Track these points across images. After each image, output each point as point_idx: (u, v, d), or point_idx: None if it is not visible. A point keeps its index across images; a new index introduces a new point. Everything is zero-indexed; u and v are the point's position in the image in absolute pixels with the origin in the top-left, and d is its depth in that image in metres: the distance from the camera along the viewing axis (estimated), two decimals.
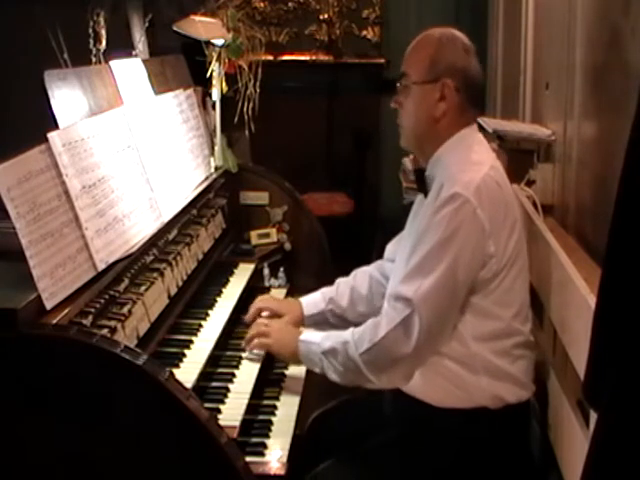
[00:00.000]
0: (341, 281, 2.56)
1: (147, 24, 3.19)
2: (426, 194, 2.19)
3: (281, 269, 3.22)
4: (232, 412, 2.10)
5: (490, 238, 2.03)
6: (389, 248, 2.52)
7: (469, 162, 2.12)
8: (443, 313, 2.05)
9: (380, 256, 2.58)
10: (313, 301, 2.54)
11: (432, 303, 2.02)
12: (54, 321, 1.76)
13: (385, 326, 2.06)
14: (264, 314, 2.54)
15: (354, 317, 2.44)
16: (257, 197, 3.41)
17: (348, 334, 2.15)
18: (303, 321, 2.50)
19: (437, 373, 2.09)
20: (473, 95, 2.20)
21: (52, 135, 1.95)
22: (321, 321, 2.51)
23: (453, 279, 2.02)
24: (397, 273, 2.19)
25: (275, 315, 2.53)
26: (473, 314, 2.07)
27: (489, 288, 2.07)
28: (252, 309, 2.56)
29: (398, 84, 2.23)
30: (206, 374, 2.23)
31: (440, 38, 2.19)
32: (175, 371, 1.97)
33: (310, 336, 2.26)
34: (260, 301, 2.60)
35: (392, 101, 2.26)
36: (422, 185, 2.23)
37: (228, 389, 2.22)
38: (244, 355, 2.41)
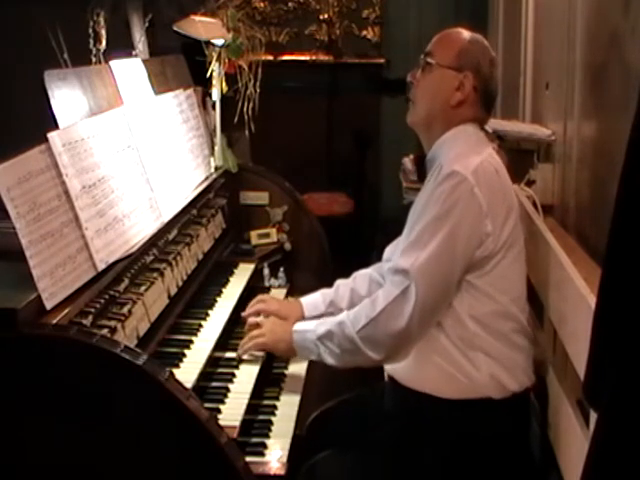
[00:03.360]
0: (341, 283, 2.57)
1: (147, 24, 3.19)
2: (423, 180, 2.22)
3: (281, 269, 3.22)
4: (232, 412, 2.10)
5: (487, 217, 2.06)
6: (388, 250, 2.52)
7: (469, 149, 2.16)
8: (439, 286, 2.06)
9: (380, 256, 2.58)
10: (313, 303, 2.54)
11: (429, 275, 2.04)
12: (54, 321, 1.76)
13: (383, 300, 2.07)
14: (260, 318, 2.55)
15: None
16: (257, 197, 3.41)
17: (343, 315, 2.17)
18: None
19: (435, 353, 2.10)
20: (487, 101, 2.26)
21: (52, 135, 1.95)
22: None
23: (450, 252, 2.04)
24: (395, 255, 2.22)
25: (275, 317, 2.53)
26: (470, 293, 2.09)
27: (485, 269, 2.08)
28: (252, 309, 2.56)
29: (422, 57, 2.27)
30: (206, 374, 2.23)
31: (471, 38, 2.26)
32: (175, 371, 1.98)
33: (304, 325, 2.28)
34: (261, 301, 2.59)
35: (409, 75, 2.30)
36: (423, 171, 2.26)
37: (228, 389, 2.22)
38: (243, 356, 2.41)
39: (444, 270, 2.05)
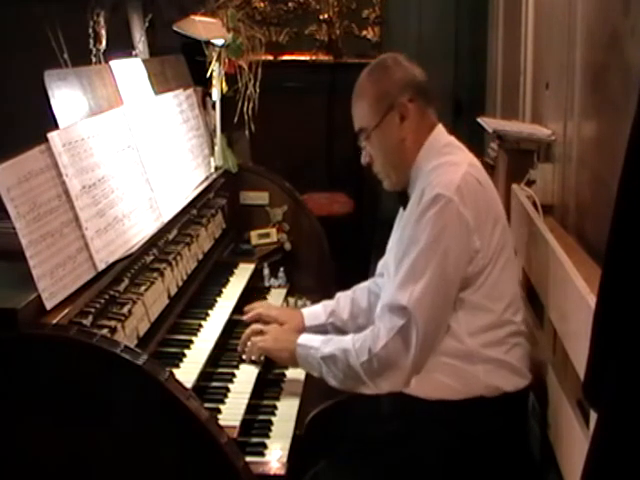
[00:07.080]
0: (341, 295, 2.59)
1: (147, 24, 3.19)
2: (405, 207, 2.22)
3: (281, 269, 3.22)
4: (232, 412, 2.10)
5: (475, 234, 2.06)
6: (380, 264, 2.54)
7: (446, 164, 2.15)
8: (438, 314, 2.07)
9: (380, 256, 2.58)
10: (314, 313, 2.55)
11: (427, 307, 2.04)
12: (54, 321, 1.76)
13: (384, 336, 2.07)
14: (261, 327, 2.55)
15: (354, 330, 2.44)
16: (257, 197, 3.41)
17: (349, 341, 2.16)
18: (303, 331, 2.49)
19: (435, 371, 2.10)
20: (424, 95, 2.24)
21: (52, 135, 1.95)
22: (321, 333, 2.51)
23: (444, 279, 2.05)
24: (388, 283, 2.22)
25: (275, 323, 2.53)
26: (465, 310, 2.10)
27: (477, 283, 2.09)
28: (252, 312, 2.56)
29: (360, 139, 2.27)
30: (206, 374, 2.24)
31: (370, 76, 2.24)
32: (175, 371, 1.98)
33: (308, 340, 2.26)
34: (261, 307, 2.61)
35: (362, 158, 2.33)
36: (404, 200, 2.26)
37: (228, 389, 2.22)
38: (244, 357, 2.41)
39: (441, 297, 2.06)
